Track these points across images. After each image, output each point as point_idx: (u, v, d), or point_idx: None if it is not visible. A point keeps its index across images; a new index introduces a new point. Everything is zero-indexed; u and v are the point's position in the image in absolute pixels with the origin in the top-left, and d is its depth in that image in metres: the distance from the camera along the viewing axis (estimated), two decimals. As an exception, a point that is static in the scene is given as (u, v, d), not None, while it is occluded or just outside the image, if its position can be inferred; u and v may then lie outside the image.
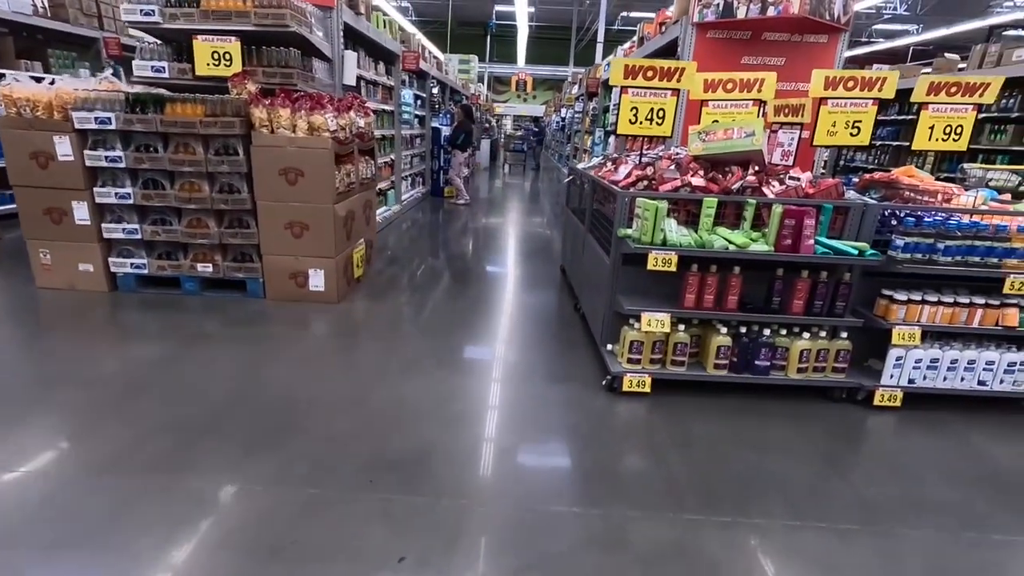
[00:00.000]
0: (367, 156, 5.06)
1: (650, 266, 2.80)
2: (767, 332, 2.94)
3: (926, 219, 2.83)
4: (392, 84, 8.01)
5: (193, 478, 2.19)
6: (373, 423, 2.69)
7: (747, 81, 3.73)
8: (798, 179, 3.22)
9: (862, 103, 3.64)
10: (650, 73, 3.64)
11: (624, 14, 21.68)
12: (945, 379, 2.95)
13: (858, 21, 19.77)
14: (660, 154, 4.02)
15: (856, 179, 4.30)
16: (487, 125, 21.44)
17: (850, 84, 3.61)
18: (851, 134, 3.73)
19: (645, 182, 3.13)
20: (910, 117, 8.55)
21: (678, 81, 3.66)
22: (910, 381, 2.96)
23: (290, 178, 4.00)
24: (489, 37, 24.99)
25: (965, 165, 4.83)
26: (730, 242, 2.81)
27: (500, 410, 2.87)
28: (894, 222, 3.05)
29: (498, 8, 22.63)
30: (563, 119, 16.47)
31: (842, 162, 10.43)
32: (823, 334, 2.97)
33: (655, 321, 2.88)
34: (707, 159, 3.45)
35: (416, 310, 4.40)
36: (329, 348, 3.60)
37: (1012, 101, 6.60)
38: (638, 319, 2.90)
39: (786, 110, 4.17)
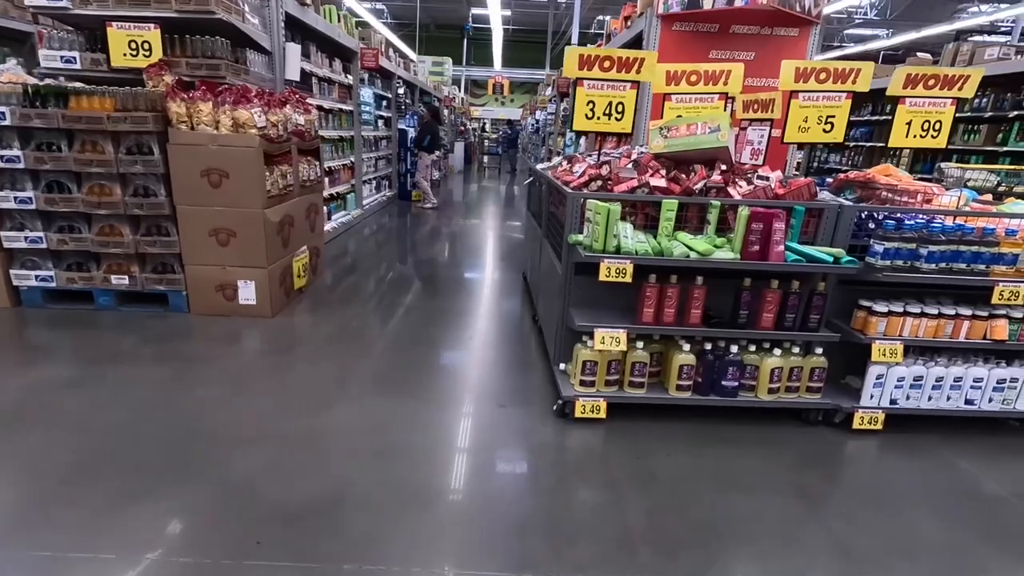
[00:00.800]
0: (310, 156, 4.67)
1: (602, 276, 2.47)
2: (735, 349, 2.63)
3: (907, 222, 2.55)
4: (351, 82, 7.61)
5: (23, 545, 1.78)
6: (283, 460, 2.30)
7: (712, 73, 3.43)
8: (767, 179, 2.93)
9: (835, 96, 3.37)
10: (607, 63, 3.33)
11: (599, 18, 21.54)
12: (930, 398, 2.67)
13: (829, 26, 19.91)
14: (622, 153, 3.71)
15: (830, 180, 4.04)
16: (462, 128, 21.10)
17: (822, 76, 3.33)
18: (824, 130, 3.46)
19: (599, 182, 2.81)
20: (884, 117, 8.42)
21: (637, 72, 3.35)
22: (892, 401, 2.67)
23: (213, 180, 3.60)
24: (466, 40, 24.67)
25: (942, 164, 4.62)
26: (692, 249, 2.49)
27: (435, 444, 2.51)
28: (872, 225, 2.77)
29: (475, 11, 22.34)
30: (537, 121, 16.21)
31: (815, 163, 10.30)
32: (796, 350, 2.67)
33: (610, 338, 2.54)
34: (669, 157, 3.14)
35: (360, 325, 4.01)
36: (253, 369, 3.19)
37: (985, 100, 6.45)
38: (592, 335, 2.57)
39: (755, 106, 3.90)
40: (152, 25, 3.91)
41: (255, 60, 4.62)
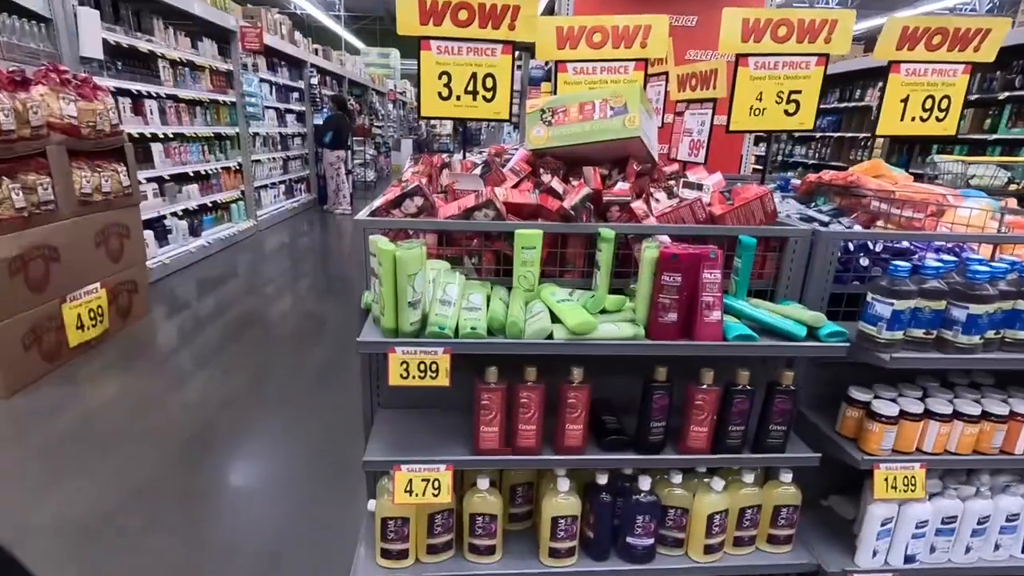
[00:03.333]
0: (101, 161, 3.42)
1: (393, 380, 1.34)
2: (646, 483, 1.53)
3: (927, 262, 1.48)
4: (230, 68, 6.33)
5: None
6: None
7: (625, 30, 2.33)
8: (699, 187, 1.84)
9: (801, 63, 2.32)
10: (463, 14, 2.20)
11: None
12: (969, 549, 1.62)
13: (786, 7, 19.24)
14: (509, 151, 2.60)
15: (795, 179, 2.99)
16: (414, 124, 19.86)
17: (781, 32, 2.27)
18: (786, 112, 2.40)
19: (419, 200, 1.67)
20: (854, 104, 7.52)
21: (511, 29, 2.24)
22: (909, 558, 1.61)
23: None
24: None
25: (936, 157, 3.63)
26: (559, 321, 1.39)
27: None
28: (865, 261, 1.71)
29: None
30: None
31: (778, 156, 9.38)
32: (749, 478, 1.59)
33: (421, 482, 1.42)
34: (557, 155, 2.03)
35: (149, 403, 2.82)
36: None
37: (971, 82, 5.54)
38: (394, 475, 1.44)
39: (693, 81, 2.82)
40: None
41: (20, 28, 3.34)
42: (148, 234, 4.63)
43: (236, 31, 6.22)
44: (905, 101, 2.40)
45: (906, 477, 1.53)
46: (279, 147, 8.24)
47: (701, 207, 1.66)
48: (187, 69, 5.45)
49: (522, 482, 1.67)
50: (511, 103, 2.34)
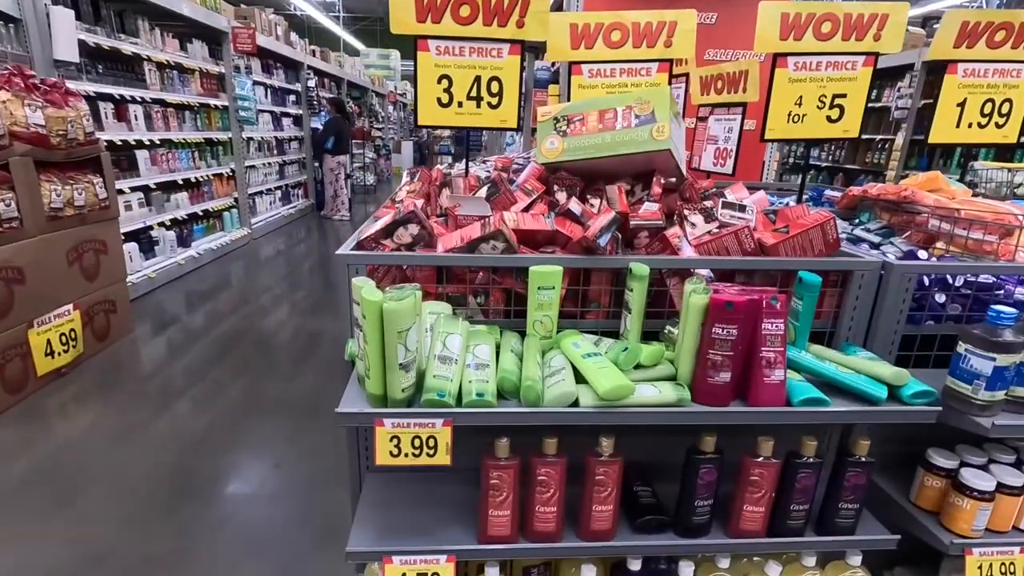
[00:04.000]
0: (77, 172, 3.17)
1: (381, 458, 1.08)
2: (688, 570, 1.27)
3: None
4: (222, 71, 6.08)
5: None
6: None
7: (647, 27, 2.07)
8: (741, 208, 1.58)
9: (847, 62, 2.06)
10: (465, 10, 1.94)
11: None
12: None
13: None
14: (521, 159, 2.35)
15: (832, 191, 2.75)
16: (414, 126, 19.64)
17: (825, 28, 2.00)
18: (829, 118, 2.14)
19: (415, 229, 1.41)
20: (871, 104, 7.22)
21: (520, 26, 1.98)
22: (1002, 658, 1.34)
23: None
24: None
25: (977, 164, 3.36)
26: (588, 383, 1.13)
27: None
28: (940, 297, 1.45)
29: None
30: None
31: (789, 159, 9.11)
32: (810, 561, 1.33)
33: (418, 578, 1.16)
34: (571, 170, 1.78)
35: (119, 443, 2.56)
36: None
37: None
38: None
39: (719, 83, 2.56)
40: None
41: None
42: (132, 247, 4.38)
43: (228, 32, 5.96)
44: (962, 105, 2.13)
45: (1004, 563, 1.26)
46: (275, 152, 7.99)
47: (749, 235, 1.40)
48: (175, 72, 5.20)
49: (537, 563, 1.41)
50: (519, 109, 2.08)
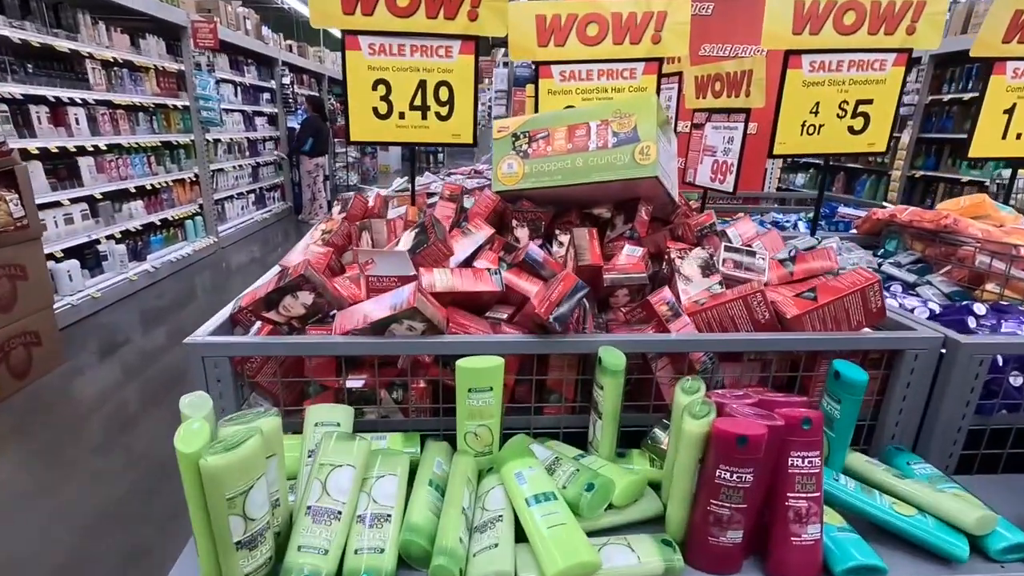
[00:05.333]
0: (-19, 189, 2.77)
1: None
2: None
3: None
4: (182, 68, 5.65)
5: None
6: None
7: (630, 18, 1.69)
8: (749, 254, 1.21)
9: (874, 61, 1.69)
10: (403, 0, 1.56)
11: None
12: None
13: None
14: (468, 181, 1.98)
15: (848, 209, 2.41)
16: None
17: (848, 19, 1.63)
18: (851, 129, 1.77)
19: (306, 296, 1.03)
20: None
21: (471, 19, 1.60)
22: None
23: None
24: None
25: (1006, 172, 3.00)
26: (527, 539, 0.76)
27: None
28: (1019, 380, 1.09)
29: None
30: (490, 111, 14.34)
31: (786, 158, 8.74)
32: None
33: None
34: (535, 198, 1.41)
35: (6, 519, 2.18)
36: None
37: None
38: None
39: (716, 85, 2.19)
40: None
41: None
42: (72, 264, 3.98)
43: (187, 27, 5.54)
44: (1010, 112, 1.77)
45: None
46: (247, 153, 7.56)
47: (763, 302, 1.03)
48: (125, 70, 4.77)
49: None
50: (475, 120, 1.70)
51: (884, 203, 6.15)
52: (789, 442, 0.76)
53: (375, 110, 1.66)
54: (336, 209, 1.63)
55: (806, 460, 0.76)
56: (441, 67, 1.63)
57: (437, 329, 0.96)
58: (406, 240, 1.16)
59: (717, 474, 0.74)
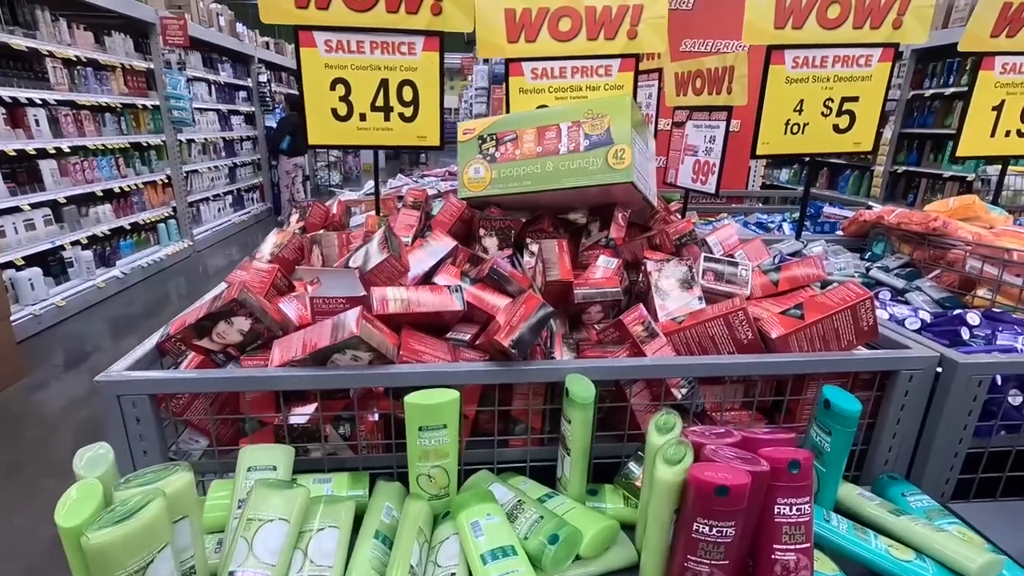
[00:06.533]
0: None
1: None
2: None
3: None
4: (151, 67, 5.47)
5: None
6: None
7: (604, 12, 1.60)
8: (732, 264, 1.13)
9: (859, 56, 1.62)
10: (361, -8, 1.46)
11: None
12: None
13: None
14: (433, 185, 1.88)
15: (834, 209, 2.35)
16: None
17: (832, 12, 1.55)
18: (836, 127, 1.70)
19: (243, 322, 0.93)
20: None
21: (435, 13, 1.49)
22: None
23: None
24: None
25: (991, 169, 2.96)
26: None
27: None
28: (1019, 399, 1.02)
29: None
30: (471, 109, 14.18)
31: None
32: None
33: None
34: (506, 205, 1.32)
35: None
36: None
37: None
38: None
39: (697, 81, 2.10)
40: None
41: None
42: (34, 272, 3.82)
43: (156, 24, 5.35)
44: (999, 109, 1.71)
45: None
46: (223, 153, 7.37)
47: (745, 320, 0.94)
48: (89, 69, 4.59)
49: None
50: (442, 121, 1.60)
51: (868, 200, 6.14)
52: (775, 488, 0.67)
53: (334, 111, 1.55)
54: (294, 218, 1.52)
55: (794, 508, 0.68)
56: (404, 65, 1.53)
57: (386, 358, 0.86)
58: (358, 256, 1.06)
59: (695, 527, 0.65)
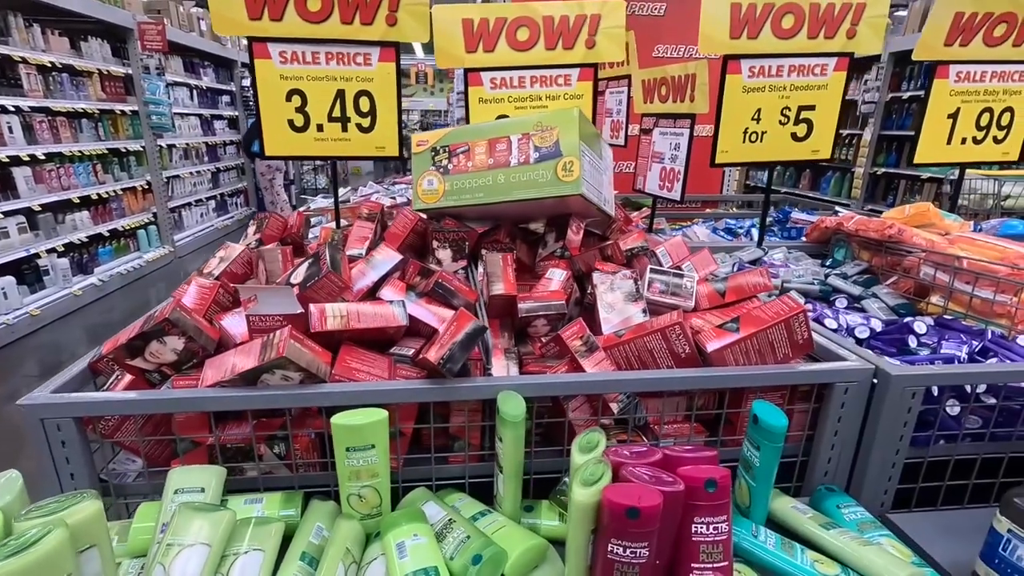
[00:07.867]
0: None
1: None
2: None
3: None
4: (129, 72, 5.42)
5: None
6: None
7: (562, 22, 1.60)
8: (677, 275, 1.14)
9: (814, 66, 1.63)
10: (314, 4, 1.45)
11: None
12: None
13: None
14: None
15: (800, 214, 2.37)
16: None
17: (786, 22, 1.57)
18: (794, 136, 1.71)
19: (176, 341, 0.92)
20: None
21: (390, 24, 1.49)
22: None
23: None
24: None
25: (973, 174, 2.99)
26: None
27: None
28: (954, 409, 1.02)
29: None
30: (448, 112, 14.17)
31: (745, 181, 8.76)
32: None
33: None
34: (462, 215, 1.32)
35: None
36: None
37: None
38: None
39: (663, 89, 2.11)
40: None
41: None
42: (7, 281, 3.77)
43: (133, 29, 5.31)
44: (954, 117, 1.73)
45: None
46: (205, 158, 7.32)
47: (682, 335, 0.95)
48: (64, 75, 4.55)
49: None
50: (400, 131, 1.60)
51: (848, 201, 6.20)
52: (692, 507, 0.68)
53: (290, 122, 1.54)
54: (251, 230, 1.51)
55: (711, 527, 0.68)
56: (360, 75, 1.52)
57: (317, 377, 0.86)
58: (299, 272, 1.05)
59: (609, 548, 0.65)
